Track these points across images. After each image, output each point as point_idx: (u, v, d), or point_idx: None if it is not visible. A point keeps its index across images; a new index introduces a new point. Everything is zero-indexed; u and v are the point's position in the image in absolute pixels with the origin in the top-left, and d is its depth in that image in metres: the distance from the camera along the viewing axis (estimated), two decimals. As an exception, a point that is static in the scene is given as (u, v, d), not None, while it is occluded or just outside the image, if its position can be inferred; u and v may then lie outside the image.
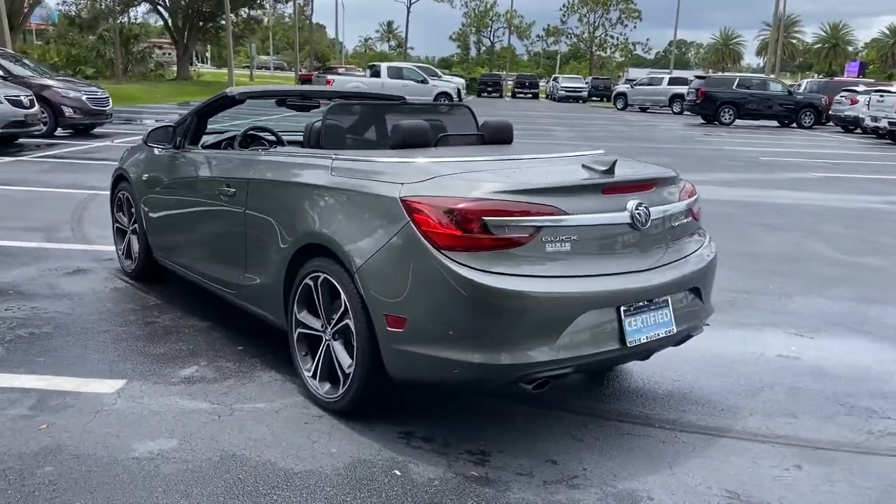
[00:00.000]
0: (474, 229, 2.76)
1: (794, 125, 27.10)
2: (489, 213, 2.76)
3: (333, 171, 3.30)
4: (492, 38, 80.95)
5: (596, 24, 73.67)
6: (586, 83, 51.77)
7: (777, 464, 3.01)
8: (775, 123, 27.65)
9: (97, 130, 15.59)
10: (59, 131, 14.47)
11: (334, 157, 3.38)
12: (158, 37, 55.03)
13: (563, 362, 2.84)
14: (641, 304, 3.01)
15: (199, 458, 2.87)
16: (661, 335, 3.06)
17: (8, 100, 12.04)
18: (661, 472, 2.91)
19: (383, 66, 28.69)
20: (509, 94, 56.08)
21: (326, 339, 3.25)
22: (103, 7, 45.35)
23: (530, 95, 54.59)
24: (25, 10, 30.24)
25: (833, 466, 3.02)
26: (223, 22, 49.26)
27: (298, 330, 3.42)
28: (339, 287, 3.10)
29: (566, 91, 49.82)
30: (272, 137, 4.68)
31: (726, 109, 26.84)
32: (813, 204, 9.86)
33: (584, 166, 3.09)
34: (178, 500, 2.58)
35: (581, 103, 47.38)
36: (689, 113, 29.47)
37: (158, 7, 46.73)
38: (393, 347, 2.92)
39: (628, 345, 2.94)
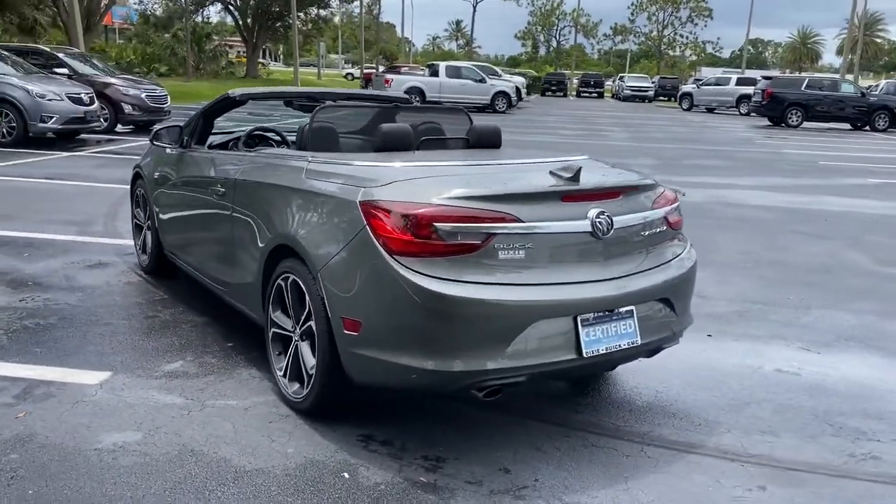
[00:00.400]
0: (426, 235, 2.75)
1: (867, 128, 26.02)
2: (441, 219, 2.75)
3: (307, 174, 3.33)
4: (557, 37, 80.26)
5: (665, 22, 72.21)
6: (653, 83, 50.86)
7: (741, 483, 2.91)
8: (847, 126, 26.59)
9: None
10: (119, 127, 15.00)
11: (311, 159, 3.42)
12: (231, 36, 56.44)
13: (513, 371, 2.81)
14: (601, 314, 2.94)
15: (159, 452, 2.95)
16: (623, 346, 2.99)
17: (69, 97, 12.55)
18: (615, 486, 2.85)
19: (441, 65, 28.76)
20: (574, 93, 55.54)
21: (295, 340, 3.30)
22: (177, 7, 46.79)
23: (595, 95, 53.97)
24: (101, 9, 31.41)
25: (801, 489, 2.90)
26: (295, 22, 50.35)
27: (272, 329, 3.47)
28: (304, 288, 3.13)
29: (631, 90, 49.05)
30: (277, 138, 4.76)
31: (794, 111, 25.97)
32: (863, 212, 9.46)
33: (551, 173, 3.05)
34: (125, 493, 2.66)
35: (647, 103, 46.58)
36: (755, 115, 28.62)
37: (229, 7, 47.93)
38: (350, 350, 2.94)
39: (585, 355, 2.89)
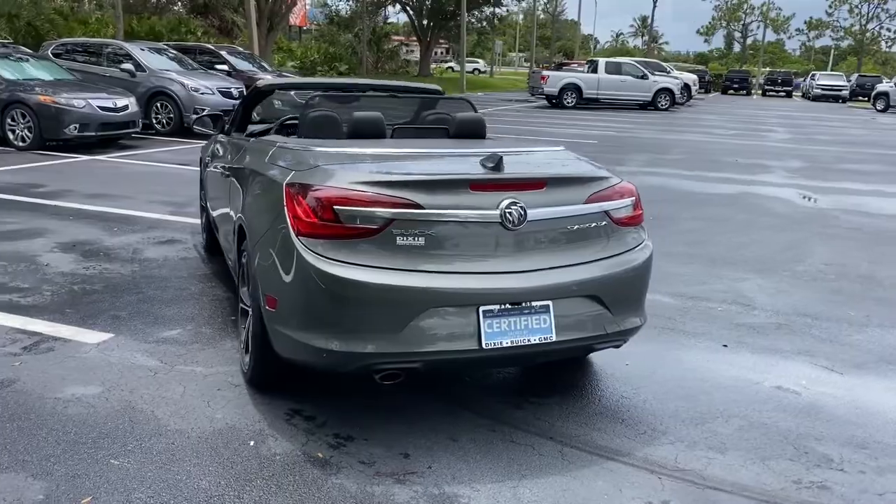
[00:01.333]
0: (328, 218, 2.83)
1: None
2: (341, 202, 2.82)
3: (269, 157, 3.51)
4: (744, 32, 75.74)
5: (869, 15, 65.99)
6: (848, 81, 46.70)
7: (642, 495, 2.74)
8: None
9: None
10: (270, 120, 16.11)
11: (279, 144, 3.59)
12: (407, 36, 58.47)
13: (406, 356, 2.83)
14: (507, 306, 2.88)
15: (105, 405, 3.25)
16: (532, 341, 2.91)
17: (220, 91, 13.68)
18: (505, 482, 2.79)
19: (601, 61, 28.18)
20: (759, 91, 52.25)
21: (249, 315, 3.49)
22: (360, 8, 49.16)
23: (783, 94, 50.47)
24: (283, 10, 33.66)
25: (707, 509, 2.69)
26: (469, 20, 51.26)
27: (240, 304, 3.69)
28: (247, 265, 3.32)
29: (822, 90, 45.38)
30: None
31: None
32: None
33: (481, 162, 3.02)
34: (53, 440, 2.96)
35: (840, 104, 42.86)
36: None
37: (406, 7, 49.65)
38: (272, 326, 3.08)
39: (485, 347, 2.84)
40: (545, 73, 28.28)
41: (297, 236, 2.89)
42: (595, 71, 27.49)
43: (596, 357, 3.93)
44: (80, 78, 12.40)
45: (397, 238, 2.81)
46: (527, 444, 3.07)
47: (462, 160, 3.18)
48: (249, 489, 2.67)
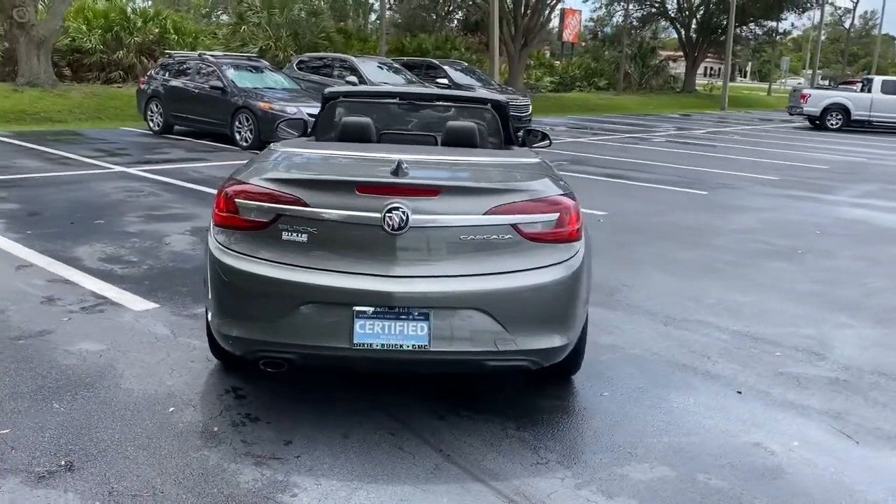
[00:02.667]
0: (230, 210, 3.07)
1: None
2: (241, 196, 3.04)
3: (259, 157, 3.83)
4: None
5: None
6: None
7: (472, 521, 2.62)
8: None
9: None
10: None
11: (271, 146, 3.90)
12: (674, 50, 56.48)
13: (283, 346, 2.97)
14: (382, 309, 2.89)
15: (94, 361, 3.77)
16: (405, 347, 2.89)
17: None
18: (351, 482, 2.81)
19: (877, 79, 25.06)
20: None
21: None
22: (626, 23, 48.53)
23: None
24: (538, 27, 34.37)
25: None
26: (744, 34, 48.35)
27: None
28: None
29: None
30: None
31: None
32: None
33: (398, 164, 3.05)
34: (30, 380, 3.52)
35: None
36: None
37: (675, 21, 48.06)
38: (207, 307, 3.39)
39: (355, 346, 2.89)
40: (805, 91, 25.80)
41: (212, 226, 3.16)
42: (868, 90, 24.55)
43: (579, 386, 3.74)
44: (303, 88, 13.83)
45: (283, 233, 2.96)
46: (410, 453, 3.04)
47: (381, 165, 3.18)
48: (130, 447, 2.98)
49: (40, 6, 20.96)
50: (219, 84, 12.61)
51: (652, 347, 4.33)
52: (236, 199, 3.04)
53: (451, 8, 43.59)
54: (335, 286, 2.90)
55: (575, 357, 3.54)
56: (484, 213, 2.96)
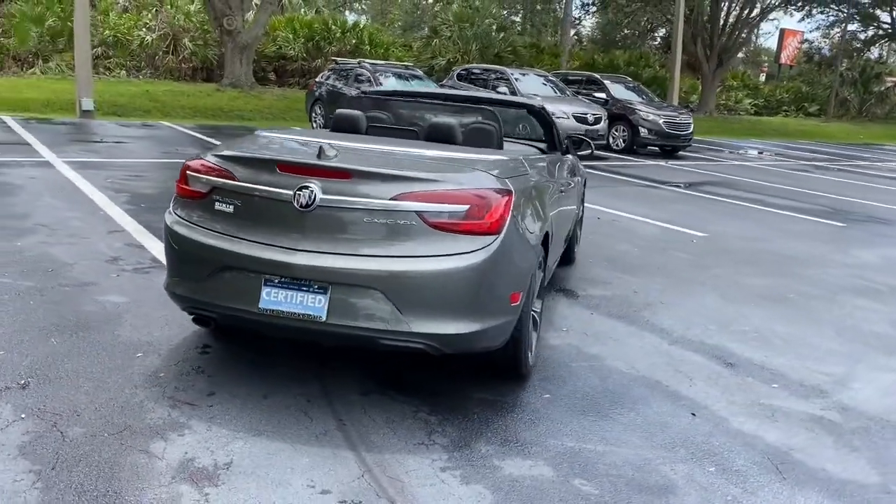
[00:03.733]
0: (183, 181, 3.46)
1: None
2: (190, 169, 3.42)
3: None
4: None
5: None
6: None
7: (322, 483, 2.79)
8: None
9: (683, 154, 16.88)
10: (636, 149, 16.32)
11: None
12: (902, 75, 51.12)
13: (204, 304, 3.32)
14: (287, 279, 3.13)
15: (112, 310, 4.34)
16: (301, 315, 3.10)
17: (575, 115, 14.44)
18: (236, 434, 3.08)
19: None
20: None
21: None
22: (847, 45, 44.84)
23: None
24: (735, 47, 32.75)
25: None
26: None
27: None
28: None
29: None
30: None
31: None
32: None
33: (320, 148, 3.29)
34: (55, 321, 4.14)
35: None
36: None
37: (901, 43, 43.65)
38: None
39: (260, 311, 3.16)
40: None
41: (175, 196, 3.58)
42: None
43: (528, 386, 3.79)
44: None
45: (215, 203, 3.30)
46: (311, 418, 3.26)
47: (312, 149, 3.39)
48: (83, 378, 3.45)
49: (248, 16, 23.22)
50: (372, 91, 13.41)
51: (636, 363, 4.20)
52: (187, 172, 3.42)
53: (651, 26, 42.55)
54: (248, 254, 3.18)
55: (509, 355, 3.56)
56: (390, 199, 3.11)
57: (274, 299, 3.15)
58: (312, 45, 26.43)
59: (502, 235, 3.26)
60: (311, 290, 3.12)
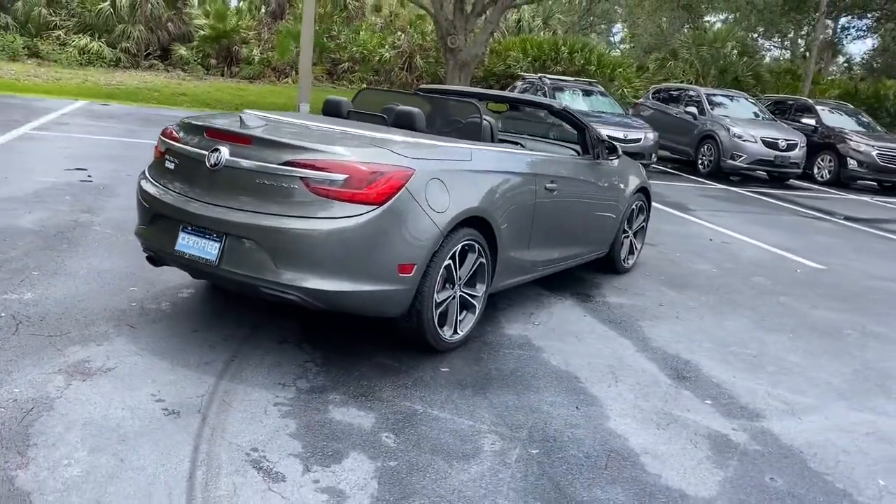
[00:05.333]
0: (157, 145, 4.16)
1: None
2: (161, 134, 4.11)
3: None
4: None
5: None
6: None
7: (129, 405, 3.30)
8: None
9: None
10: (845, 181, 14.83)
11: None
12: None
13: (148, 245, 3.97)
14: (196, 227, 3.68)
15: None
16: (201, 259, 3.62)
17: (764, 140, 13.57)
18: (124, 350, 3.70)
19: None
20: None
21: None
22: None
23: None
24: None
25: None
26: None
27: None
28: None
29: None
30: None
31: None
32: None
33: (240, 118, 3.81)
34: (120, 243, 5.09)
35: None
36: None
37: None
38: None
39: (175, 252, 3.73)
40: None
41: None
42: None
43: (435, 359, 3.98)
44: (629, 114, 14.17)
45: (166, 162, 3.94)
46: (213, 350, 3.76)
47: (241, 121, 3.86)
48: (71, 299, 4.26)
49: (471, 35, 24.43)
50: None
51: (574, 360, 4.18)
52: (160, 136, 4.10)
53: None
54: (172, 204, 3.77)
55: (412, 327, 3.81)
56: (280, 164, 3.52)
57: (185, 243, 3.70)
58: (539, 63, 27.12)
59: (385, 207, 3.52)
60: (210, 237, 3.62)
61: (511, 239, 4.43)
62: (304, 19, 16.21)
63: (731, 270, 6.73)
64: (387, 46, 27.00)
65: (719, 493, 2.99)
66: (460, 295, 4.10)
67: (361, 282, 3.55)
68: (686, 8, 28.30)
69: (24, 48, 21.94)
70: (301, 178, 3.47)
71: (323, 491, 2.70)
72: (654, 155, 13.25)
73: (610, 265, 6.05)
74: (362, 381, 3.62)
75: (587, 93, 14.43)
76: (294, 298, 3.54)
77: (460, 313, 4.17)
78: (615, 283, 5.84)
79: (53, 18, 23.07)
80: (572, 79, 15.99)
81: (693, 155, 14.43)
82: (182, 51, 24.33)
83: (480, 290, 4.24)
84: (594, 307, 5.20)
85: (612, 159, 5.71)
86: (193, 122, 3.92)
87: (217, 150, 3.62)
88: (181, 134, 3.88)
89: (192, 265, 3.71)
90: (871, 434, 3.68)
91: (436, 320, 3.91)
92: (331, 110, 4.74)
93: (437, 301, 3.89)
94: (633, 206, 6.09)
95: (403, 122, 4.43)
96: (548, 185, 4.75)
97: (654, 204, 8.92)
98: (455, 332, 4.10)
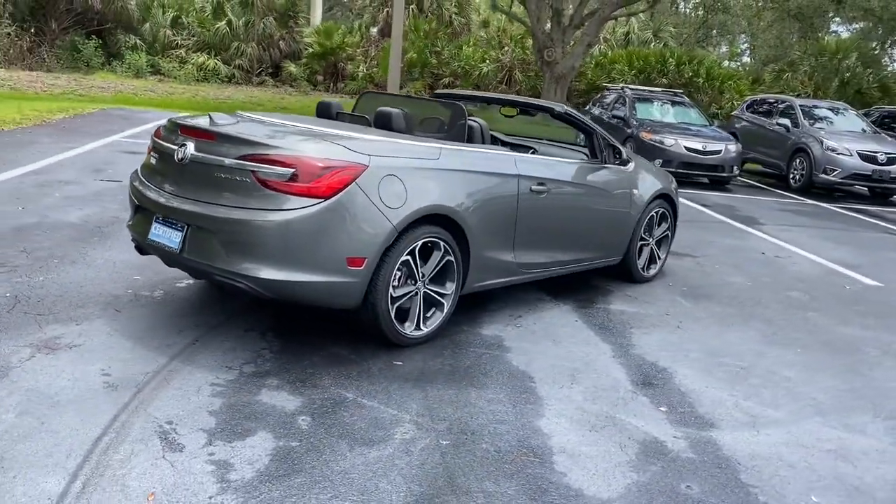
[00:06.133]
0: (149, 145, 4.47)
1: None
2: (153, 133, 4.42)
3: None
4: None
5: None
6: None
7: (71, 376, 3.56)
8: None
9: None
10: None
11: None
12: None
13: (132, 235, 4.27)
14: (166, 218, 3.94)
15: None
16: (167, 248, 3.87)
17: (860, 153, 12.79)
18: (95, 325, 3.99)
19: None
20: None
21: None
22: None
23: None
24: None
25: None
26: None
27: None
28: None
29: None
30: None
31: None
32: None
33: (210, 117, 4.05)
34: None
35: None
36: None
37: None
38: None
39: (149, 240, 4.01)
40: None
41: None
42: None
43: (380, 350, 4.06)
44: (715, 125, 13.70)
45: (152, 158, 4.24)
46: (179, 334, 4.01)
47: (212, 119, 4.08)
48: (74, 285, 4.64)
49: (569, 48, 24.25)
50: (620, 113, 13.50)
51: (536, 363, 4.14)
52: (151, 136, 4.41)
53: None
54: (148, 196, 4.05)
55: (368, 319, 3.92)
56: (235, 159, 3.72)
57: (156, 233, 3.96)
58: (644, 76, 26.61)
59: (332, 201, 3.65)
60: (175, 227, 3.87)
61: (488, 239, 4.44)
62: (393, 34, 16.67)
63: (767, 284, 6.40)
64: (488, 61, 27.26)
65: (622, 495, 2.90)
66: (425, 292, 4.15)
67: (309, 273, 3.68)
68: (798, 17, 26.95)
69: (148, 65, 23.69)
70: (253, 171, 3.65)
71: (213, 463, 2.83)
72: (735, 168, 12.72)
73: (626, 273, 5.91)
74: (308, 369, 3.74)
75: (672, 103, 14.05)
76: (244, 287, 3.72)
77: (428, 310, 4.22)
78: (628, 292, 5.71)
79: (176, 38, 24.76)
80: (658, 89, 15.62)
81: (784, 169, 13.74)
82: (291, 67, 25.50)
83: (450, 288, 4.28)
84: (591, 313, 5.11)
85: (617, 163, 5.59)
86: (175, 121, 4.19)
87: (184, 145, 3.86)
88: (164, 132, 4.16)
89: (162, 253, 3.96)
90: (832, 451, 3.44)
91: (392, 314, 3.98)
92: (322, 112, 4.93)
93: (395, 296, 3.97)
94: (653, 214, 5.93)
95: (382, 123, 4.56)
96: (534, 187, 4.72)
97: (720, 217, 8.63)
98: (418, 328, 4.15)
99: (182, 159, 3.85)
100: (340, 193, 3.66)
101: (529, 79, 26.25)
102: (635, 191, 5.70)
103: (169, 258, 3.99)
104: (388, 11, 29.76)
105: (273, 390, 3.48)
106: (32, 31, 22.65)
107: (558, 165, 5.12)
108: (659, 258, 6.17)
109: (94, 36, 23.40)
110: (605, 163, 5.47)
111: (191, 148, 3.84)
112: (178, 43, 24.70)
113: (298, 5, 26.89)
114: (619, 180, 5.56)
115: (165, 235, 3.90)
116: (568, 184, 5.10)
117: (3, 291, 4.33)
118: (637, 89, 14.53)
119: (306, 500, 2.65)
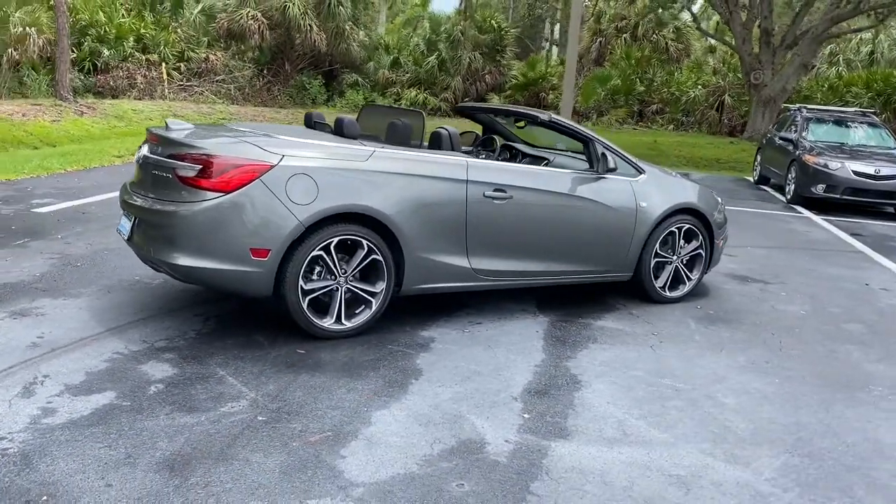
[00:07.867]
0: (148, 147, 5.13)
1: None
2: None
3: None
4: None
5: None
6: None
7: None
8: None
9: None
10: None
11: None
12: None
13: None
14: (125, 211, 4.56)
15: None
16: (123, 236, 4.49)
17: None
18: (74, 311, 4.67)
19: None
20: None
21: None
22: None
23: None
24: None
25: None
26: None
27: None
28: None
29: None
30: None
31: None
32: None
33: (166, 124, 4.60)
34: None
35: None
36: None
37: None
38: None
39: (118, 231, 4.65)
40: None
41: None
42: None
43: (320, 345, 4.27)
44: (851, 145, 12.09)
45: (137, 164, 4.90)
46: (146, 329, 4.59)
47: (179, 124, 4.58)
48: (102, 271, 5.43)
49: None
50: (789, 135, 12.38)
51: (441, 363, 4.13)
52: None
53: None
54: (121, 195, 4.69)
55: (289, 313, 4.19)
56: (166, 157, 4.23)
57: (121, 224, 4.59)
58: (883, 98, 23.93)
59: (235, 194, 4.01)
60: (129, 219, 4.46)
61: (428, 242, 4.49)
62: (567, 64, 16.59)
63: (827, 315, 5.63)
64: (699, 86, 26.07)
65: (384, 481, 2.88)
66: (348, 288, 4.34)
67: (215, 261, 4.05)
68: None
69: (364, 101, 25.84)
70: (173, 168, 4.12)
71: (41, 409, 3.27)
72: (916, 195, 11.07)
73: (641, 292, 5.56)
74: (211, 350, 4.08)
75: (858, 125, 12.59)
76: (168, 271, 4.19)
77: (356, 306, 4.39)
78: (635, 311, 5.38)
79: (392, 76, 26.74)
80: (849, 109, 14.02)
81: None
82: (495, 99, 26.35)
83: (380, 286, 4.42)
84: (563, 326, 4.91)
85: (618, 173, 5.31)
86: (151, 130, 4.81)
87: (140, 148, 4.45)
88: (147, 138, 4.79)
89: (125, 242, 4.57)
90: (676, 477, 3.09)
91: (305, 306, 4.21)
92: (307, 122, 5.32)
93: (306, 288, 4.20)
94: (674, 230, 5.52)
95: (337, 129, 4.84)
96: (488, 193, 4.69)
97: (858, 245, 7.93)
98: (339, 322, 4.34)
99: (139, 160, 4.44)
100: (244, 188, 4.00)
101: (742, 103, 24.64)
102: (643, 203, 5.36)
103: (130, 246, 4.58)
104: (600, 41, 29.80)
105: (159, 362, 3.87)
106: (269, 73, 25.72)
107: (529, 174, 5.00)
108: (689, 279, 5.70)
109: (319, 76, 26.00)
110: (602, 172, 5.23)
111: (145, 150, 4.41)
112: (394, 80, 26.62)
113: (505, 39, 27.75)
114: (618, 191, 5.28)
115: (124, 226, 4.50)
116: (542, 192, 4.95)
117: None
118: (813, 108, 13.19)
119: (80, 445, 2.99)
